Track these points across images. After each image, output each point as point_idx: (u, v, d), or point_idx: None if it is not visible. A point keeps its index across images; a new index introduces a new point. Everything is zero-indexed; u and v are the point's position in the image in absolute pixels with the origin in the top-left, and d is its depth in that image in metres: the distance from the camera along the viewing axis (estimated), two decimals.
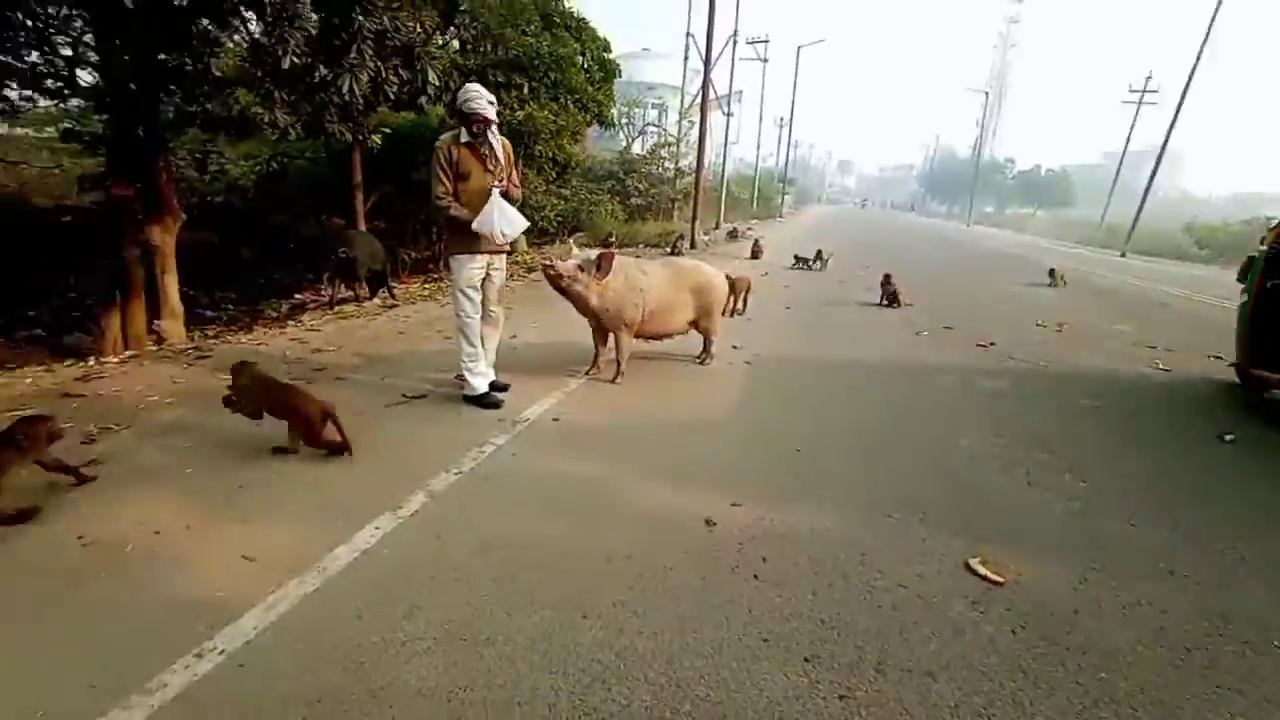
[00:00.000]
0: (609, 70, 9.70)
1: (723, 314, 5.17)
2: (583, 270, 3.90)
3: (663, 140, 21.07)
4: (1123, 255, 22.86)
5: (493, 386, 3.92)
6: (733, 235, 16.97)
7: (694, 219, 14.06)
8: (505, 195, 3.62)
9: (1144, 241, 24.74)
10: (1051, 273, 11.05)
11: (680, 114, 23.56)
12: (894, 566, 2.29)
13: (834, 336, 6.18)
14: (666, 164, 20.20)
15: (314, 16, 4.76)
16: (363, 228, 9.39)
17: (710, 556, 2.29)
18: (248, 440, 3.07)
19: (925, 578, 2.24)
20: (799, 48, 31.67)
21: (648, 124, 24.70)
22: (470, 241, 3.57)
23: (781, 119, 39.23)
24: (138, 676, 1.63)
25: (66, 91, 7.20)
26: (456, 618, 1.91)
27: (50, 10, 6.04)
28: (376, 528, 2.37)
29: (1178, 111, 21.98)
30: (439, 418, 3.55)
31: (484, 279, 3.72)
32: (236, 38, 6.45)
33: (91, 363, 4.62)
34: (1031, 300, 9.39)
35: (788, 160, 39.93)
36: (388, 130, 7.21)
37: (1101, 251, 24.85)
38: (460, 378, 3.77)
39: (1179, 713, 1.70)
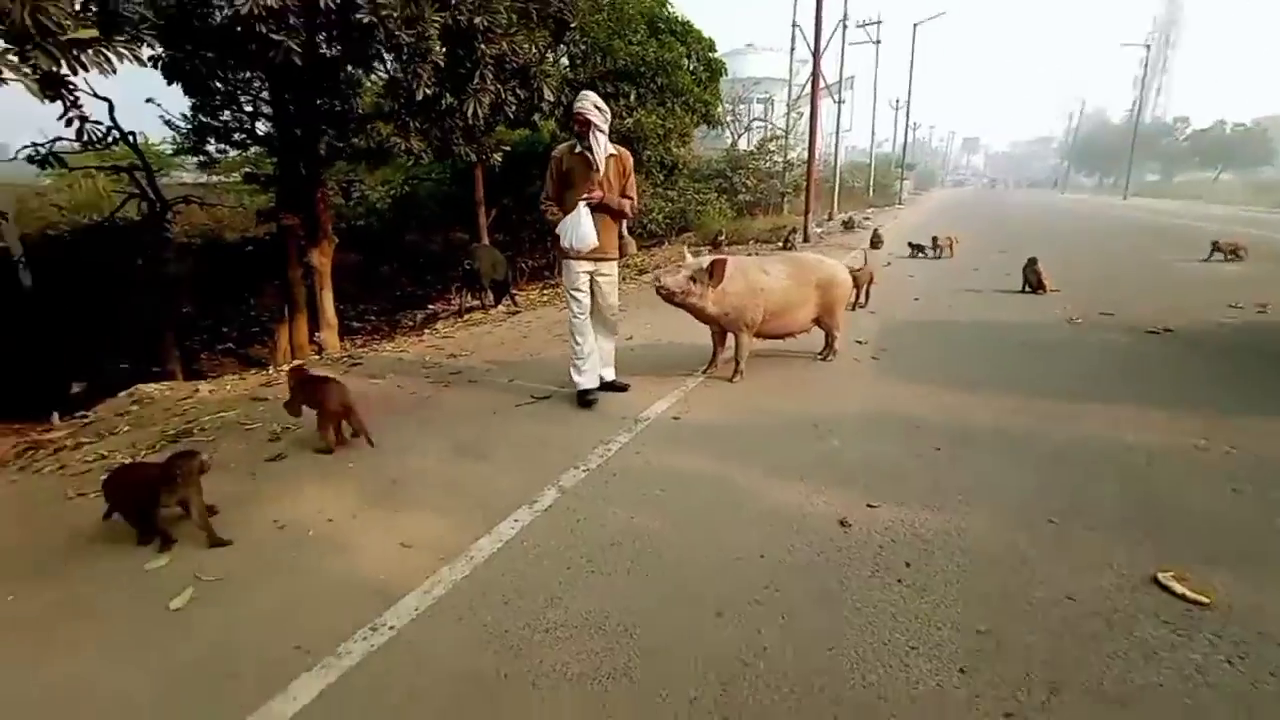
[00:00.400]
0: (714, 69, 9.64)
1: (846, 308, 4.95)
2: (695, 281, 3.82)
3: (770, 134, 20.60)
4: None
5: (612, 386, 4.03)
6: (848, 225, 16.20)
7: (806, 211, 13.58)
8: (607, 209, 3.67)
9: None
10: (1215, 245, 9.44)
11: (788, 106, 22.92)
12: (1060, 577, 2.06)
13: (970, 328, 5.69)
14: (775, 157, 19.73)
15: (441, 49, 5.17)
16: (486, 240, 10.05)
17: (847, 559, 2.18)
18: (396, 439, 3.39)
19: (1101, 592, 1.99)
20: (915, 25, 29.64)
21: (754, 119, 24.27)
22: (566, 247, 3.70)
23: (898, 101, 36.87)
24: (329, 642, 1.84)
25: (248, 141, 8.43)
26: (594, 609, 1.97)
27: (238, 75, 7.10)
28: (515, 520, 2.51)
29: None
30: (564, 417, 3.70)
31: (592, 282, 3.82)
32: (374, 77, 7.19)
33: (271, 371, 5.31)
34: (1211, 278, 8.08)
35: (905, 143, 37.35)
36: (507, 148, 7.65)
37: None
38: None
39: None
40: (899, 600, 1.97)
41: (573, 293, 3.79)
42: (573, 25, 7.62)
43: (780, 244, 12.53)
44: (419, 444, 3.33)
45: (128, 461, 3.04)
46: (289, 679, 1.71)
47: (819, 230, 15.05)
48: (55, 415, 5.35)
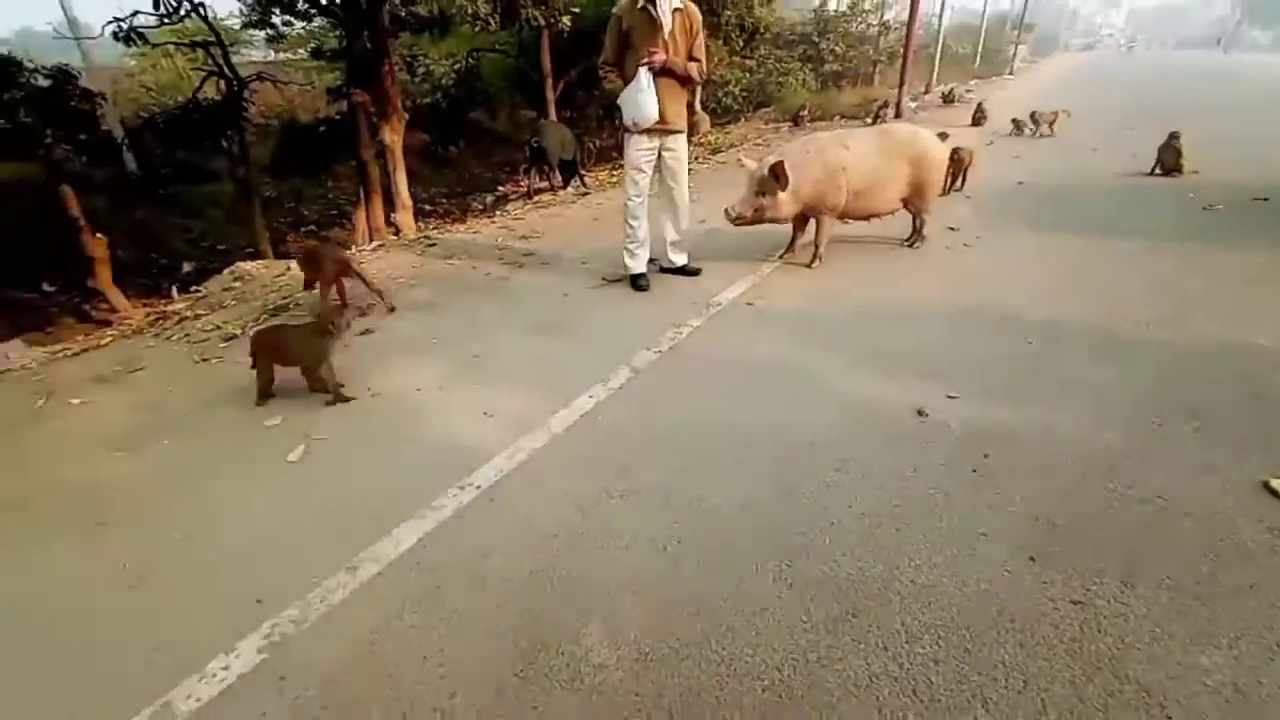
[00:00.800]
0: None
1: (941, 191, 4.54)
2: (763, 194, 3.56)
3: None
4: None
5: (683, 271, 3.96)
6: (948, 99, 14.43)
7: (901, 83, 12.12)
8: (673, 74, 3.38)
9: None
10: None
11: None
12: (1154, 478, 1.97)
13: (1079, 215, 5.10)
14: (870, 18, 17.42)
15: None
16: (553, 117, 9.66)
17: (922, 447, 2.16)
18: (475, 317, 3.51)
19: (1199, 493, 1.89)
20: None
21: None
22: (635, 114, 3.43)
23: None
24: (425, 497, 2.04)
25: (312, 11, 8.20)
26: (666, 481, 2.07)
27: None
28: (590, 396, 2.60)
29: None
30: (636, 300, 3.70)
31: (659, 161, 3.62)
32: None
33: (353, 250, 5.52)
34: None
35: None
36: (576, 10, 7.09)
37: None
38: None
39: None
40: (972, 488, 1.95)
41: (633, 172, 3.62)
42: None
43: (870, 119, 11.41)
44: (497, 322, 3.45)
45: (264, 326, 3.30)
46: (392, 525, 1.92)
47: (914, 105, 13.51)
48: (174, 290, 5.86)
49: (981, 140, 8.55)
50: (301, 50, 13.03)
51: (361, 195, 7.55)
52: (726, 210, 3.66)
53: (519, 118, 13.97)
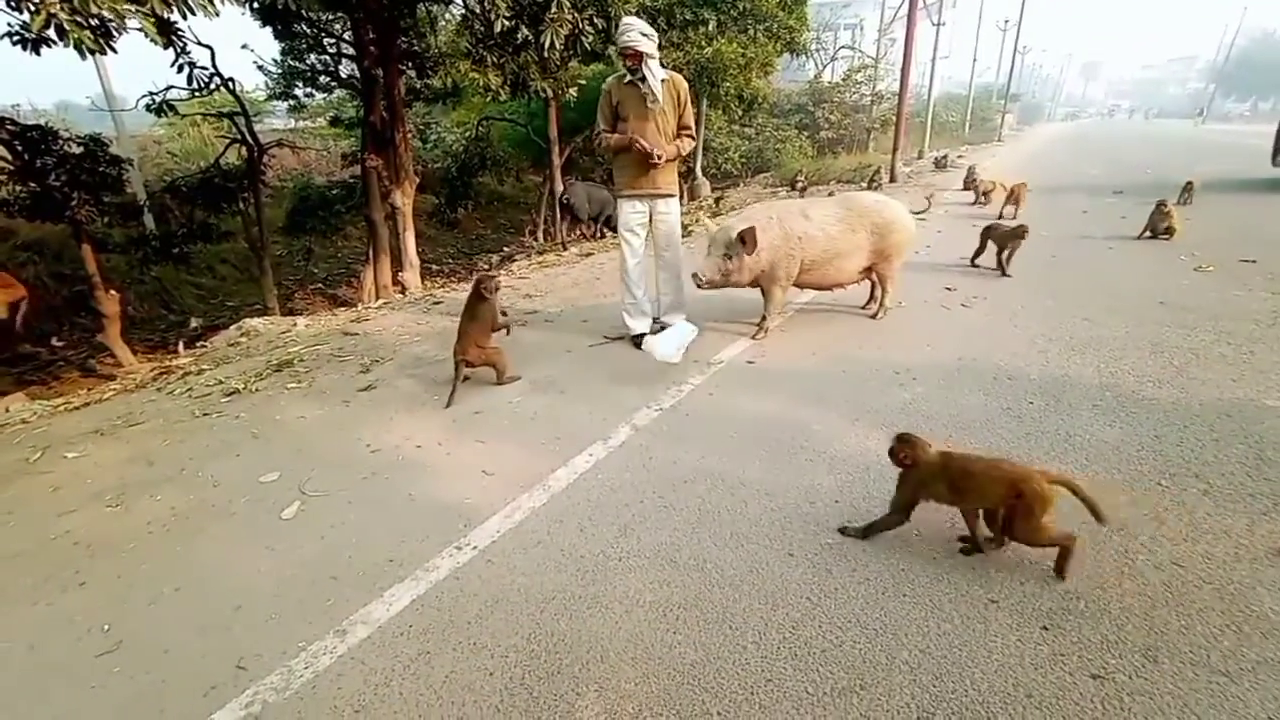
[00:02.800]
0: None
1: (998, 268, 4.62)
2: (730, 257, 3.47)
3: (858, 64, 19.08)
4: None
5: None
6: (940, 164, 14.97)
7: (895, 149, 12.62)
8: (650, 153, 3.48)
9: None
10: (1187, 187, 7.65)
11: (880, 31, 21.03)
12: (1165, 542, 1.92)
13: (1072, 274, 5.19)
14: (862, 89, 18.32)
15: None
16: (559, 180, 10.03)
17: (925, 508, 2.11)
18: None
19: (1214, 560, 1.83)
20: None
21: (841, 48, 22.50)
22: (629, 182, 3.60)
23: (1006, 21, 32.95)
24: (418, 557, 2.00)
25: (332, 84, 8.69)
26: (666, 541, 2.02)
27: (322, 16, 7.27)
28: (590, 455, 2.58)
29: None
30: (637, 359, 3.72)
31: (651, 223, 3.73)
32: (450, 13, 7.16)
33: (359, 308, 5.62)
34: None
35: (1011, 70, 33.50)
36: (582, 82, 7.49)
37: None
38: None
39: None
40: (979, 554, 1.90)
41: (626, 234, 3.72)
42: None
43: (865, 184, 11.80)
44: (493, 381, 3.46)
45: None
46: (385, 587, 1.87)
47: (907, 170, 14.00)
48: (180, 345, 5.94)
49: (969, 198, 8.81)
50: (320, 118, 13.72)
51: (370, 254, 7.76)
52: (694, 276, 3.53)
53: (526, 182, 14.52)
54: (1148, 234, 6.22)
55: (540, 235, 11.69)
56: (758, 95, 9.35)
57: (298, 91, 9.03)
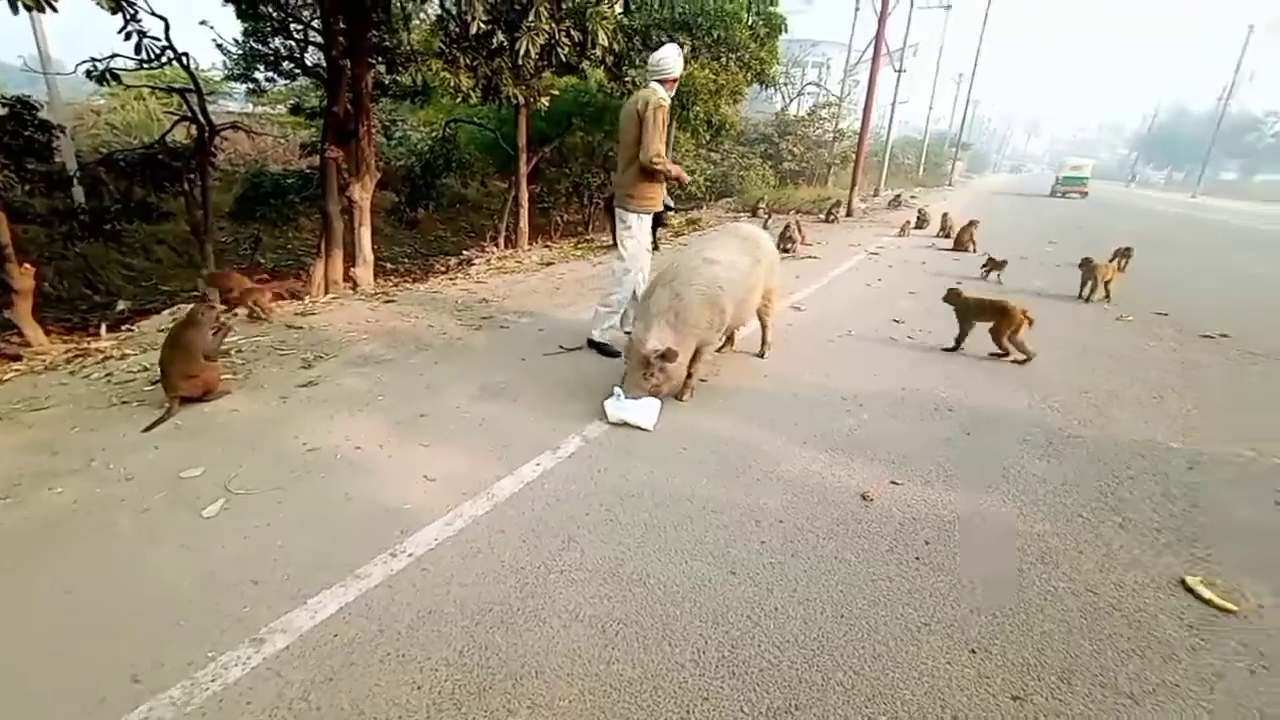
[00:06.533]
0: (774, 25, 9.18)
1: (1004, 353, 4.10)
2: (650, 376, 2.93)
3: (823, 100, 19.82)
4: None
5: (602, 349, 4.04)
6: (895, 203, 15.64)
7: (853, 185, 13.13)
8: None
9: None
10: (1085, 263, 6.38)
11: (845, 71, 21.94)
12: (1084, 571, 2.02)
13: None
14: (825, 125, 19.02)
15: None
16: (524, 188, 9.95)
17: (866, 532, 2.17)
18: (426, 376, 3.44)
19: (1126, 589, 1.94)
20: None
21: (808, 84, 23.33)
22: (655, 199, 3.80)
23: (960, 75, 34.98)
24: (349, 563, 1.91)
25: (297, 71, 8.41)
26: (609, 555, 2.00)
27: (290, 1, 7.04)
28: (537, 464, 2.54)
29: None
30: (592, 369, 3.70)
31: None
32: (427, 11, 7.06)
33: (306, 302, 5.40)
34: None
35: (964, 121, 35.54)
36: (555, 92, 7.49)
37: None
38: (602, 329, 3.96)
39: None
40: (915, 577, 1.95)
41: (644, 249, 3.89)
42: None
43: (824, 216, 12.21)
44: (448, 382, 3.38)
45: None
46: (310, 593, 1.78)
47: (863, 206, 14.56)
48: (103, 327, 5.55)
49: (921, 241, 9.23)
50: (280, 105, 13.25)
51: (323, 247, 7.48)
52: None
53: (491, 187, 14.36)
54: (1087, 291, 6.32)
55: (502, 242, 11.55)
56: (726, 122, 9.56)
57: (258, 75, 8.67)
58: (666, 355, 2.88)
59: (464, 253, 11.47)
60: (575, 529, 2.13)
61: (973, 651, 1.68)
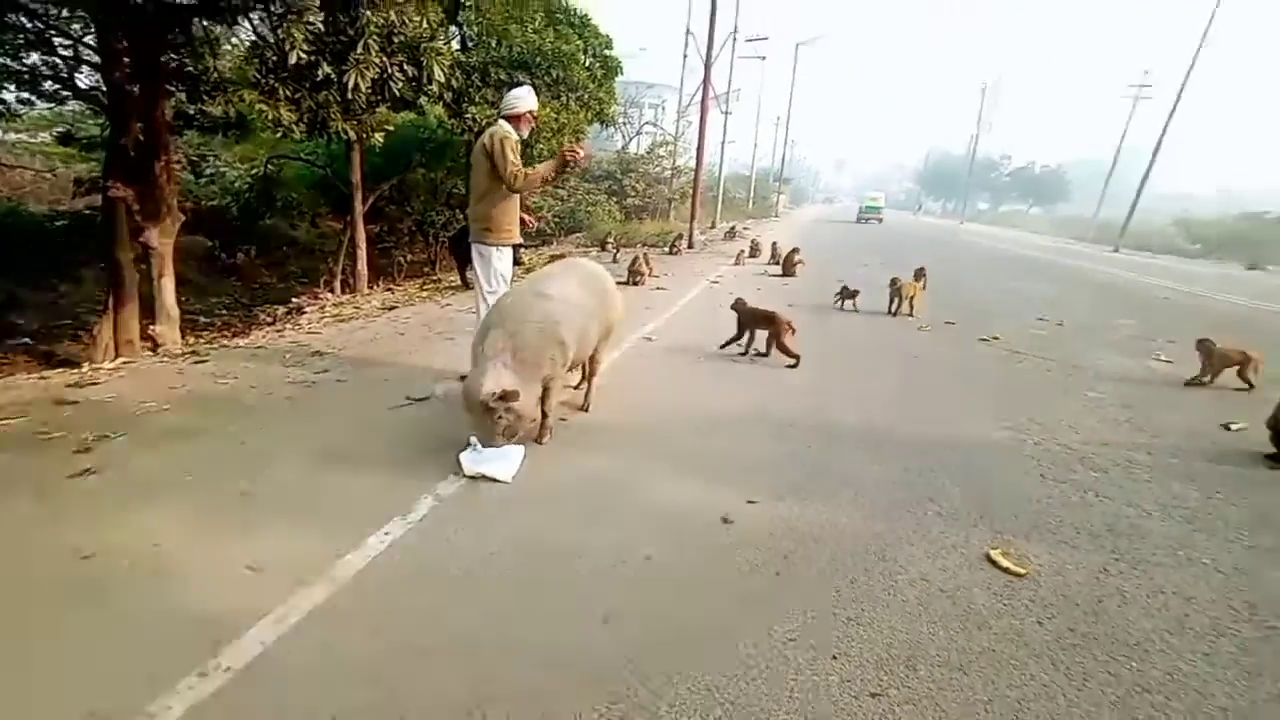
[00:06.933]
0: (611, 68, 9.61)
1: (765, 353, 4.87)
2: (501, 417, 2.70)
3: (660, 140, 21.07)
4: (1116, 250, 22.98)
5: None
6: (730, 235, 16.95)
7: (692, 218, 14.02)
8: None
9: (1136, 237, 24.90)
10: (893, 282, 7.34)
11: (678, 112, 23.55)
12: (915, 561, 2.26)
13: (835, 334, 6.14)
14: (664, 163, 20.20)
15: (319, 11, 4.72)
16: (361, 229, 9.32)
17: (730, 555, 2.24)
18: (248, 445, 3.02)
19: (948, 571, 2.20)
20: (797, 45, 31.67)
21: (645, 123, 24.69)
22: (510, 228, 3.74)
23: (779, 118, 39.25)
24: (139, 699, 1.55)
25: (65, 94, 7.13)
26: (475, 626, 1.86)
27: (52, 11, 5.97)
28: (386, 533, 2.31)
29: (1175, 107, 22.09)
30: (441, 420, 3.47)
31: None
32: (239, 37, 6.40)
33: (85, 369, 4.53)
34: (1030, 297, 9.39)
35: (784, 159, 39.88)
36: (390, 128, 7.14)
37: (1095, 247, 24.98)
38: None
39: (1211, 699, 1.67)
40: (778, 593, 2.05)
41: (501, 286, 3.80)
42: (467, 4, 7.29)
43: (668, 249, 12.84)
44: (275, 450, 2.98)
45: None
46: None
47: (703, 238, 15.59)
48: None
49: (754, 269, 10.06)
50: (44, 133, 11.19)
51: (110, 303, 6.35)
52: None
53: (324, 228, 13.26)
54: (895, 307, 7.27)
55: (338, 286, 10.66)
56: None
57: (8, 94, 7.18)
58: (506, 396, 2.66)
59: (294, 300, 10.40)
60: (433, 601, 1.95)
61: (834, 658, 1.78)
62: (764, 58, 29.22)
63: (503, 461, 2.78)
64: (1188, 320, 7.71)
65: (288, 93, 5.02)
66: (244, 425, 3.30)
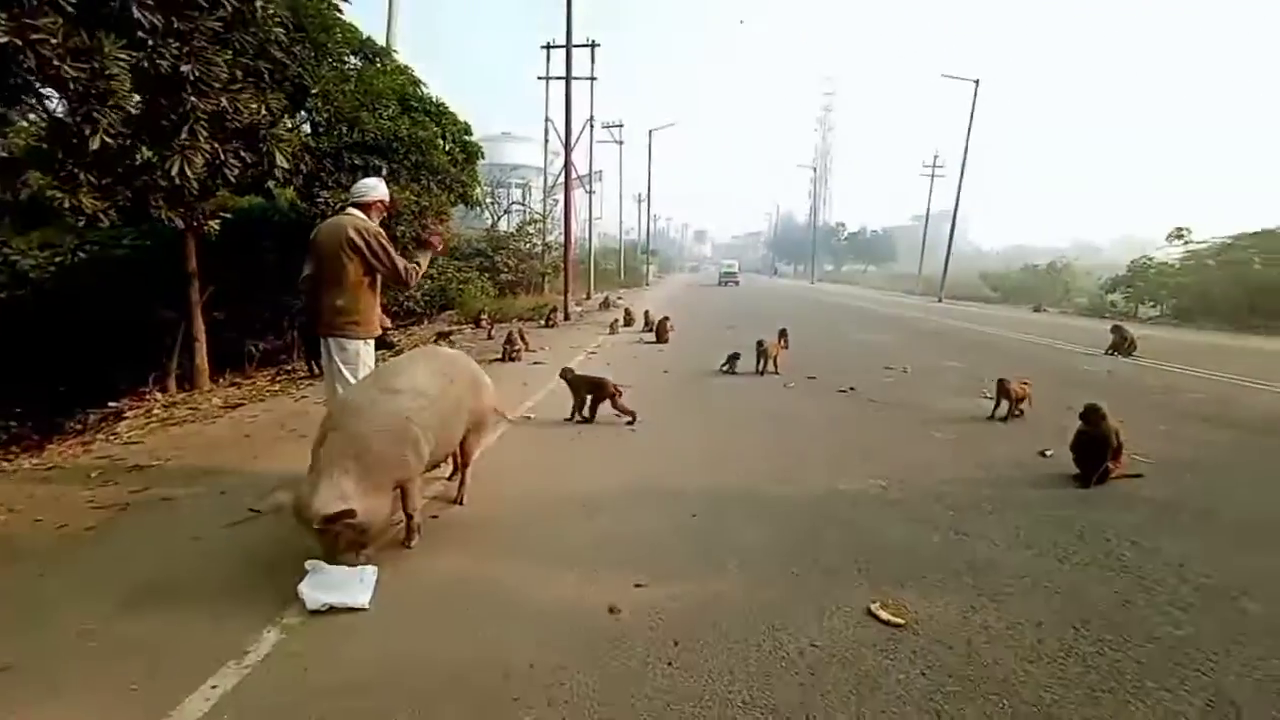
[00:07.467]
0: (471, 152, 9.73)
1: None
2: (337, 541, 2.42)
3: (529, 218, 21.54)
4: (940, 300, 26.56)
5: None
6: (605, 304, 17.40)
7: (565, 291, 14.26)
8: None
9: (953, 288, 29.11)
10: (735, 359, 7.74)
11: (544, 193, 24.29)
12: (804, 625, 2.27)
13: (710, 397, 6.38)
14: (534, 240, 20.58)
15: (133, 95, 4.30)
16: (199, 320, 8.37)
17: (619, 650, 2.11)
18: (20, 601, 2.45)
19: (835, 632, 2.23)
20: (650, 131, 34.65)
21: (513, 203, 25.15)
22: (376, 321, 3.60)
23: (640, 195, 41.91)
24: None
25: None
26: None
27: None
28: (214, 687, 1.92)
29: (960, 183, 26.84)
30: (291, 534, 3.06)
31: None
32: (34, 116, 5.67)
33: None
34: (876, 347, 10.46)
35: (649, 233, 42.45)
36: (227, 215, 6.58)
37: (923, 299, 28.69)
38: None
39: None
40: (671, 685, 1.94)
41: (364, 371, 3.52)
42: (314, 92, 7.08)
43: (544, 322, 12.86)
44: (64, 600, 2.43)
45: None
46: None
47: (578, 309, 15.86)
48: None
49: (627, 338, 10.32)
50: None
51: None
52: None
53: (155, 319, 11.72)
54: (761, 366, 7.74)
55: (172, 384, 9.36)
56: None
57: None
58: (342, 517, 2.31)
59: (111, 404, 8.97)
60: None
61: None
62: (621, 142, 31.51)
63: (353, 585, 2.40)
64: (999, 358, 8.96)
65: (91, 178, 4.46)
66: (18, 572, 2.68)
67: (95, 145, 4.07)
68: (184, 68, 4.57)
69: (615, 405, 5.16)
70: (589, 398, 5.19)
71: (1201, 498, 3.55)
